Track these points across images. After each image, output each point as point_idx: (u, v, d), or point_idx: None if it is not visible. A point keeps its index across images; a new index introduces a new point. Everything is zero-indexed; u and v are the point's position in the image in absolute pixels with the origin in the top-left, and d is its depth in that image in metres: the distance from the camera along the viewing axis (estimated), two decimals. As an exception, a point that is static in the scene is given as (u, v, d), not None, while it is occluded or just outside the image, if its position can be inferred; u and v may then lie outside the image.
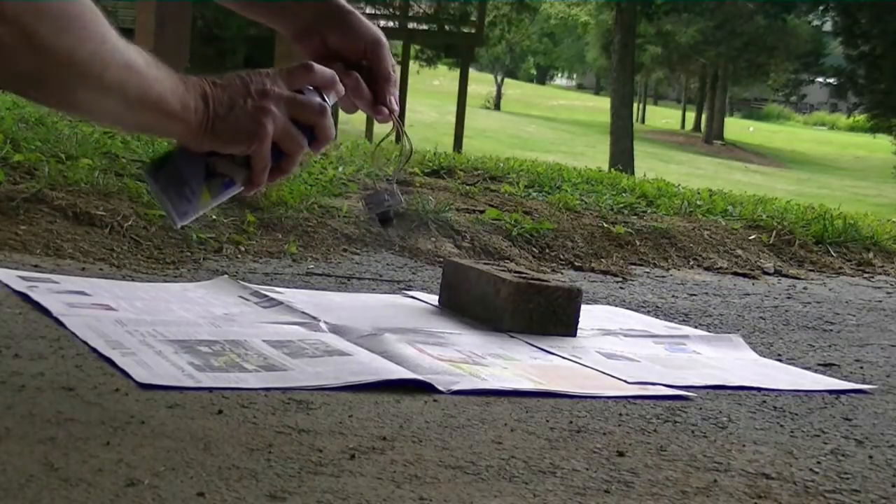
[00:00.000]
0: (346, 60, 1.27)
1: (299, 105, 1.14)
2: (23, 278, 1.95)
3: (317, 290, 2.29)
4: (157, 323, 1.72)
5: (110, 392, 1.33)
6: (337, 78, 1.20)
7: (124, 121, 1.05)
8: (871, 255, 3.84)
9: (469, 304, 2.13)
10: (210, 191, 1.16)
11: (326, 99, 1.18)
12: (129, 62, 0.98)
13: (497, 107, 43.70)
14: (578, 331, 2.06)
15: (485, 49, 39.31)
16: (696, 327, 2.35)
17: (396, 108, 1.29)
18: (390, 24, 19.08)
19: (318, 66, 1.18)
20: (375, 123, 1.36)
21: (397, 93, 1.30)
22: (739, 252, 3.53)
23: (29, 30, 0.87)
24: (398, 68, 1.32)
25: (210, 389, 1.38)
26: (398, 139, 1.38)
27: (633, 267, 3.17)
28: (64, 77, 0.93)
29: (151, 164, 1.17)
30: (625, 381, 1.71)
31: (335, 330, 1.82)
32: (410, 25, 20.09)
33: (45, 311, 1.72)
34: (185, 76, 1.07)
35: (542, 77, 67.56)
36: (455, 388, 1.53)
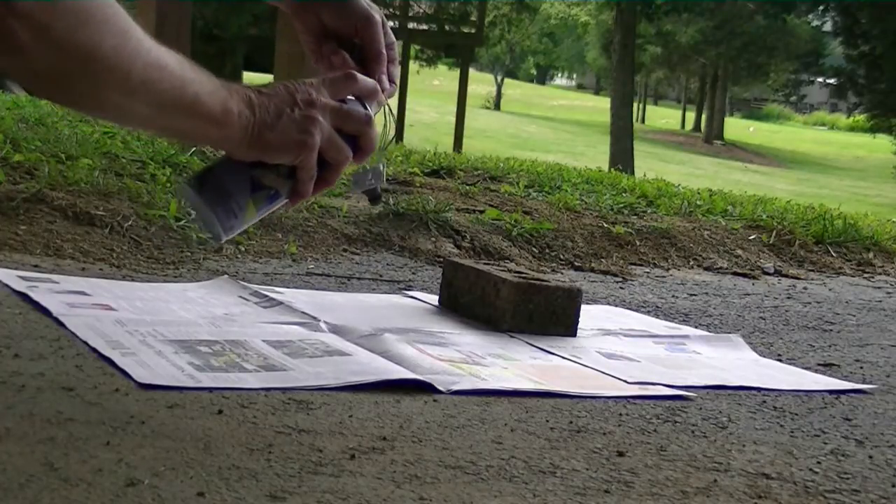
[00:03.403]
0: (340, 38, 1.26)
1: (345, 115, 1.13)
2: (23, 278, 1.95)
3: (317, 290, 2.29)
4: (157, 323, 1.72)
5: (110, 392, 1.33)
6: (378, 88, 1.19)
7: (160, 124, 1.02)
8: (871, 255, 3.85)
9: (469, 304, 2.13)
10: (256, 204, 1.14)
11: (368, 108, 1.18)
12: (159, 62, 0.95)
13: (497, 107, 43.69)
14: (578, 331, 2.06)
15: (485, 49, 39.32)
16: (696, 327, 2.35)
17: (388, 86, 1.27)
18: (390, 23, 19.05)
19: (360, 76, 1.17)
20: (375, 124, 1.36)
21: (396, 70, 1.29)
22: (739, 252, 3.53)
23: (43, 24, 0.85)
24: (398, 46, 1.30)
25: (210, 389, 1.38)
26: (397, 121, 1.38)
27: (633, 267, 3.17)
28: (87, 75, 0.90)
29: (194, 178, 1.13)
30: (625, 381, 1.71)
31: (335, 330, 1.82)
32: (410, 25, 20.09)
33: (45, 311, 1.72)
34: (229, 82, 1.05)
35: (542, 77, 67.55)
36: (455, 388, 1.53)
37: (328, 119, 1.12)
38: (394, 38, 1.30)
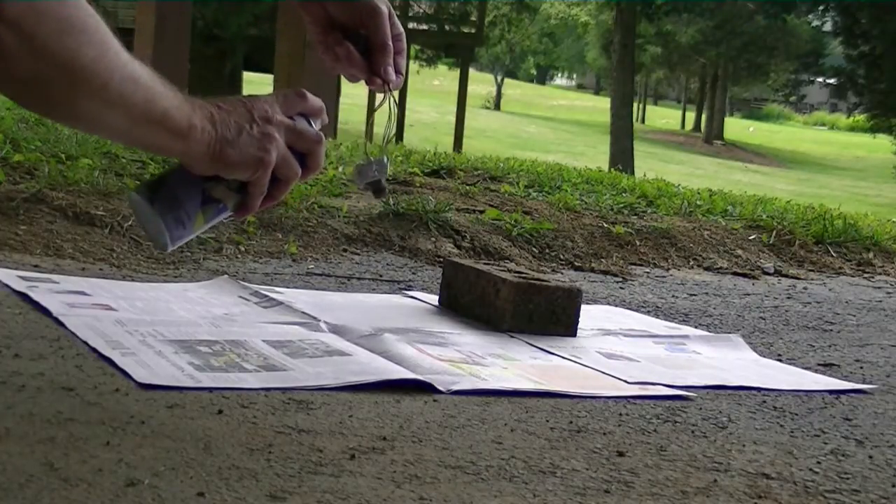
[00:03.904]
0: (346, 28, 1.27)
1: (298, 133, 1.15)
2: (23, 278, 1.95)
3: (317, 290, 2.29)
4: (157, 323, 1.72)
5: (110, 392, 1.33)
6: (324, 107, 1.20)
7: (130, 136, 1.04)
8: (871, 255, 3.84)
9: (469, 304, 2.13)
10: (205, 216, 1.15)
11: (313, 125, 1.19)
12: (134, 74, 0.97)
13: (497, 107, 43.69)
14: (578, 331, 2.06)
15: (485, 49, 39.30)
16: (696, 327, 2.35)
17: (394, 77, 1.27)
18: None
19: (309, 95, 1.18)
20: (375, 124, 1.36)
21: (403, 61, 1.29)
22: (739, 252, 3.53)
23: (29, 31, 0.87)
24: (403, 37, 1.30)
25: (210, 389, 1.38)
26: (400, 110, 1.38)
27: (633, 267, 3.17)
28: (66, 84, 0.92)
29: (145, 186, 1.15)
30: (625, 381, 1.71)
31: (335, 330, 1.82)
32: (410, 25, 20.09)
33: (45, 311, 1.72)
34: (191, 97, 1.06)
35: (542, 77, 67.54)
36: (455, 388, 1.53)
37: (282, 136, 1.13)
38: (401, 30, 1.30)
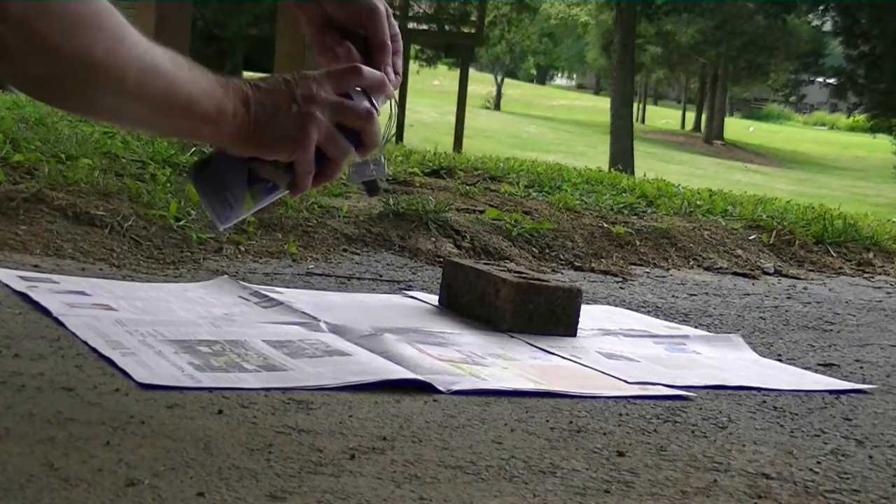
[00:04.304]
0: (344, 29, 1.25)
1: (346, 110, 1.12)
2: (23, 278, 1.95)
3: (317, 290, 2.29)
4: (157, 323, 1.72)
5: (110, 392, 1.33)
6: (386, 80, 1.18)
7: (155, 125, 1.02)
8: (871, 255, 3.84)
9: (469, 304, 2.13)
10: (253, 196, 1.14)
11: (375, 102, 1.16)
12: (154, 64, 0.95)
13: (497, 107, 43.69)
14: (578, 331, 2.06)
15: (485, 49, 39.31)
16: (696, 327, 2.35)
17: (393, 77, 1.26)
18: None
19: (366, 69, 1.15)
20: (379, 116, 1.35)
21: (400, 61, 1.28)
22: (739, 252, 3.53)
23: (34, 29, 0.85)
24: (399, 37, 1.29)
25: (210, 389, 1.38)
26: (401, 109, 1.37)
27: (633, 267, 3.17)
28: (80, 80, 0.90)
29: (194, 166, 1.14)
30: (625, 381, 1.71)
31: (335, 330, 1.82)
32: (410, 25, 20.08)
33: (45, 311, 1.72)
34: (228, 79, 1.05)
35: (542, 77, 67.54)
36: (455, 388, 1.53)
37: (329, 115, 1.11)
38: (398, 30, 1.29)
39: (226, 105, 1.03)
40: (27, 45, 0.86)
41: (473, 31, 20.76)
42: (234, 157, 1.11)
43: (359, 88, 1.15)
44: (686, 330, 2.28)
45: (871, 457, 1.41)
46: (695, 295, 2.83)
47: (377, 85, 1.16)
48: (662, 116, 48.95)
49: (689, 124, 43.85)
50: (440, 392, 1.51)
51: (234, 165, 1.11)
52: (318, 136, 1.09)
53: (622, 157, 21.44)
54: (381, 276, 2.57)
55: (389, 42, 1.26)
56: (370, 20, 1.24)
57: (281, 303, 2.01)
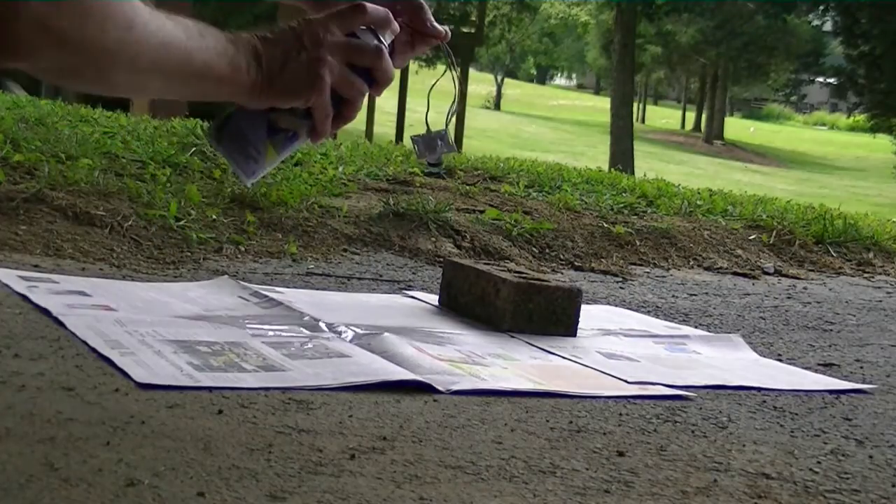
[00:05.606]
0: None
1: (354, 50, 1.12)
2: (23, 278, 1.95)
3: (317, 290, 2.29)
4: (157, 323, 1.72)
5: (110, 392, 1.33)
6: (391, 15, 1.18)
7: (174, 93, 1.05)
8: (871, 255, 3.84)
9: (469, 304, 2.13)
10: (275, 147, 1.15)
11: (382, 39, 1.16)
12: (167, 40, 0.97)
13: (497, 107, 43.67)
14: (578, 331, 2.06)
15: (485, 49, 39.30)
16: (696, 327, 2.34)
17: (441, 30, 1.26)
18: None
19: (370, 6, 1.15)
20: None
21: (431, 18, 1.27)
22: (739, 252, 3.53)
23: (51, 26, 0.87)
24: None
25: (209, 389, 1.38)
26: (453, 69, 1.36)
27: (633, 267, 3.17)
28: (95, 67, 0.93)
29: (212, 126, 1.16)
30: (625, 381, 1.71)
31: (335, 330, 1.82)
32: (410, 25, 20.03)
33: (45, 312, 1.72)
34: (236, 34, 1.06)
35: (542, 77, 67.54)
36: (455, 388, 1.53)
37: (338, 56, 1.11)
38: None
39: (239, 62, 1.05)
40: (44, 42, 0.88)
41: (473, 31, 20.74)
42: (252, 110, 1.12)
43: (364, 27, 1.15)
44: (686, 330, 2.28)
45: (871, 457, 1.41)
46: (695, 295, 2.83)
47: (382, 21, 1.16)
48: (662, 116, 48.94)
49: (690, 124, 43.84)
50: (440, 392, 1.51)
51: (252, 119, 1.13)
52: (332, 78, 1.10)
53: (622, 156, 21.43)
54: (381, 276, 2.57)
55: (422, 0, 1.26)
56: (409, 9, 1.24)
57: (281, 303, 2.01)
